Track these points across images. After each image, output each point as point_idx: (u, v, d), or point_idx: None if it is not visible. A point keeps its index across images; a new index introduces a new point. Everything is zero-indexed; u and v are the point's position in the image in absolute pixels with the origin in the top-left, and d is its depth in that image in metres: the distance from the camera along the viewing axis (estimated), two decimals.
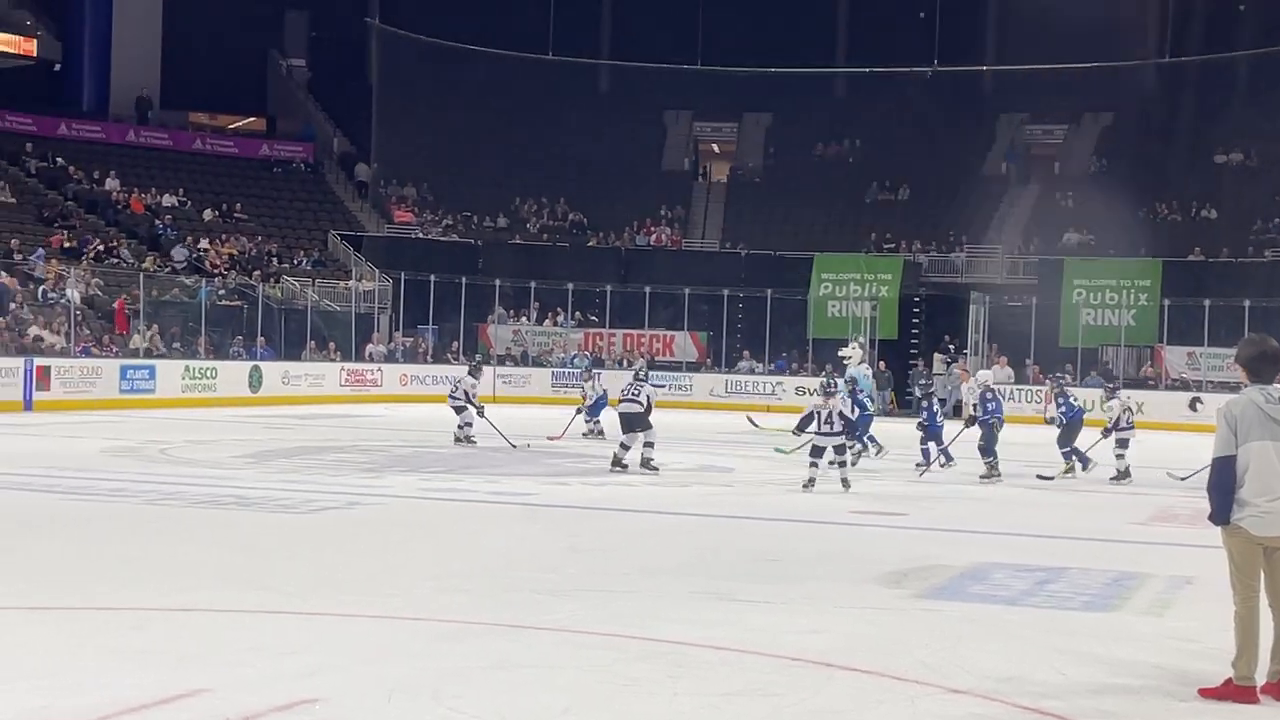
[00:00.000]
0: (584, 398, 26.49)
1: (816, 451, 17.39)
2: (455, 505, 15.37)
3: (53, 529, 12.59)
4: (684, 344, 42.65)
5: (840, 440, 17.45)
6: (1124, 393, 22.99)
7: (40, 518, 13.38)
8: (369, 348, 41.02)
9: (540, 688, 7.16)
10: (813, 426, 17.61)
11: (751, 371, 40.19)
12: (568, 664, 7.70)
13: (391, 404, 36.71)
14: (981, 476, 19.30)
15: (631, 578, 10.68)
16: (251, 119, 53.80)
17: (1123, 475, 20.03)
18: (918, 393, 23.33)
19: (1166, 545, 13.62)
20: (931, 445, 20.78)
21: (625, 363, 42.13)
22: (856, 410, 20.33)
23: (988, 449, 19.52)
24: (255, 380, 35.38)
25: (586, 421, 25.96)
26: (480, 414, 23.37)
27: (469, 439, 23.36)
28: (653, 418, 19.57)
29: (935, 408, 21.53)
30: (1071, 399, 21.31)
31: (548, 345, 43.52)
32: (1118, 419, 20.58)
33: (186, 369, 33.90)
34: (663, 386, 38.83)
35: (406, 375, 40.06)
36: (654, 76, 51.73)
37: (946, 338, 40.71)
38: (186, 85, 50.61)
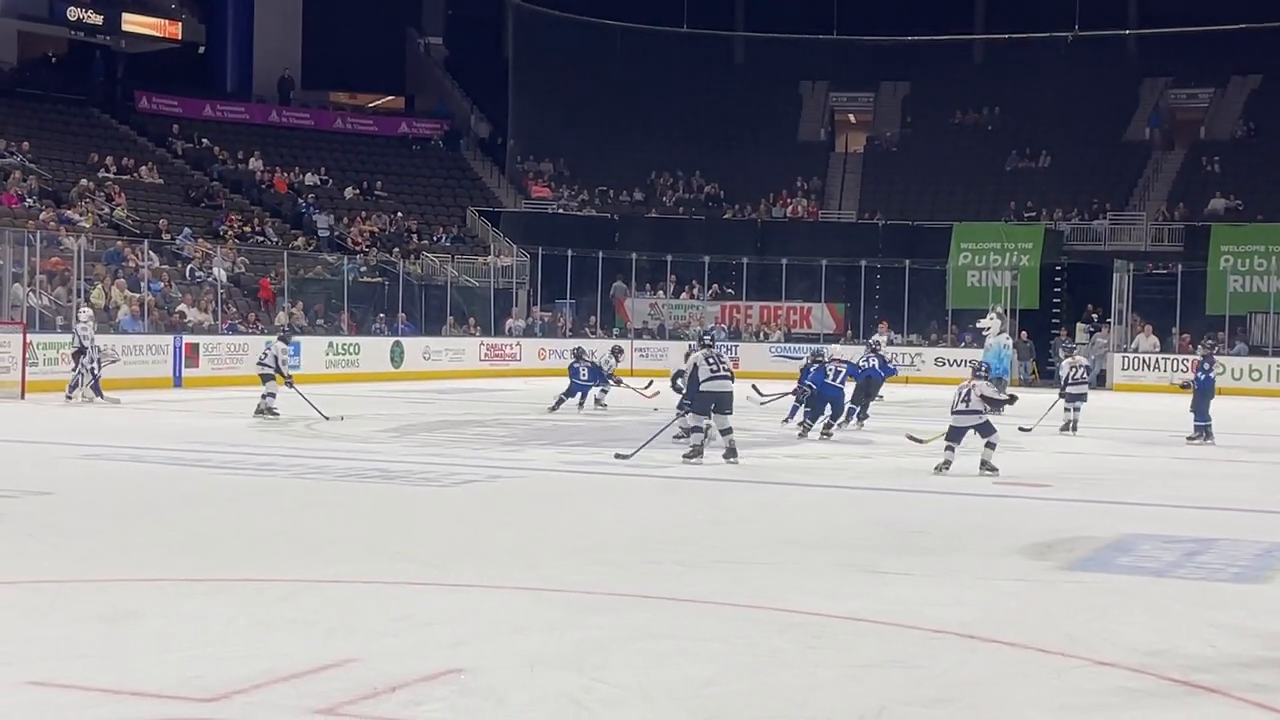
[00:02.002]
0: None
1: (954, 434, 16.07)
2: (595, 478, 15.44)
3: (203, 503, 12.86)
4: (821, 315, 42.42)
5: (983, 421, 16.08)
6: (1080, 356, 23.81)
7: (191, 492, 13.67)
8: (508, 323, 41.36)
9: (682, 659, 7.18)
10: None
11: (890, 343, 39.86)
12: (709, 635, 7.72)
13: (530, 378, 36.95)
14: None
15: (772, 550, 10.67)
16: (390, 98, 54.36)
17: (1069, 427, 21.30)
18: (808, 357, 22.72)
19: None
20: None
21: (762, 334, 42.09)
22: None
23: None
24: (397, 356, 35.84)
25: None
26: (289, 385, 22.24)
27: (270, 410, 21.95)
28: None
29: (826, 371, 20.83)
30: (862, 360, 22.31)
31: (684, 318, 43.54)
32: (1066, 376, 21.75)
33: (330, 345, 34.43)
34: (800, 359, 38.81)
35: (545, 350, 40.29)
36: (789, 47, 51.41)
37: (1089, 307, 40.05)
38: (327, 65, 51.23)
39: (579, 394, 25.10)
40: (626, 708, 6.33)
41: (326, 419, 21.34)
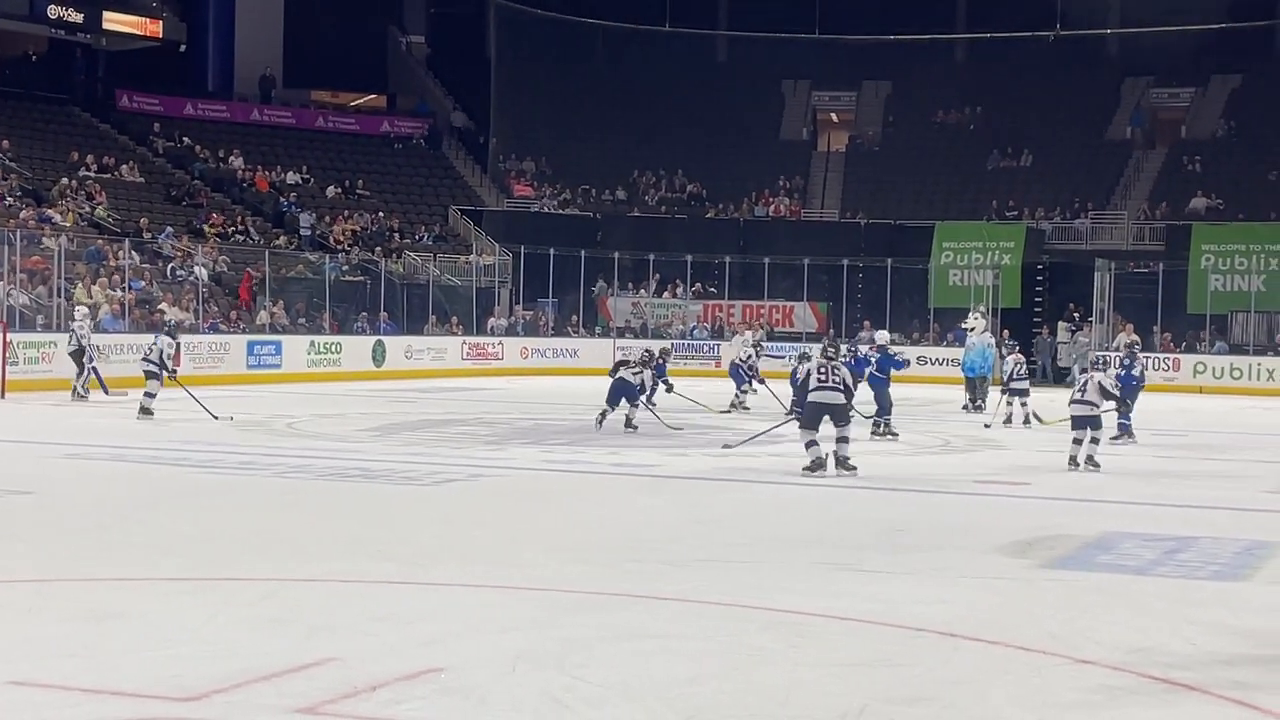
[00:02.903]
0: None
1: (1078, 424, 16.50)
2: (578, 477, 15.43)
3: (184, 502, 12.82)
4: (803, 314, 42.47)
5: (1093, 415, 16.41)
6: (1020, 354, 24.83)
7: (171, 491, 13.64)
8: (490, 321, 41.33)
9: (664, 658, 7.18)
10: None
11: (871, 341, 39.84)
12: (691, 634, 7.72)
13: (512, 377, 36.95)
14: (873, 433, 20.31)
15: (754, 548, 10.67)
16: (372, 96, 54.26)
17: (1025, 420, 22.62)
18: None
19: None
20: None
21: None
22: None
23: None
24: (379, 355, 35.79)
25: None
26: (172, 378, 21.62)
27: (146, 410, 21.17)
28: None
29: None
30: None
31: (667, 317, 43.55)
32: (1011, 372, 23.01)
33: (312, 344, 34.38)
34: (781, 357, 38.85)
35: (527, 349, 40.34)
36: (771, 46, 51.43)
37: (1071, 306, 40.15)
38: (308, 64, 51.15)
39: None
40: (608, 706, 6.32)
41: (216, 419, 20.88)
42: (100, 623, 7.75)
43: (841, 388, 15.62)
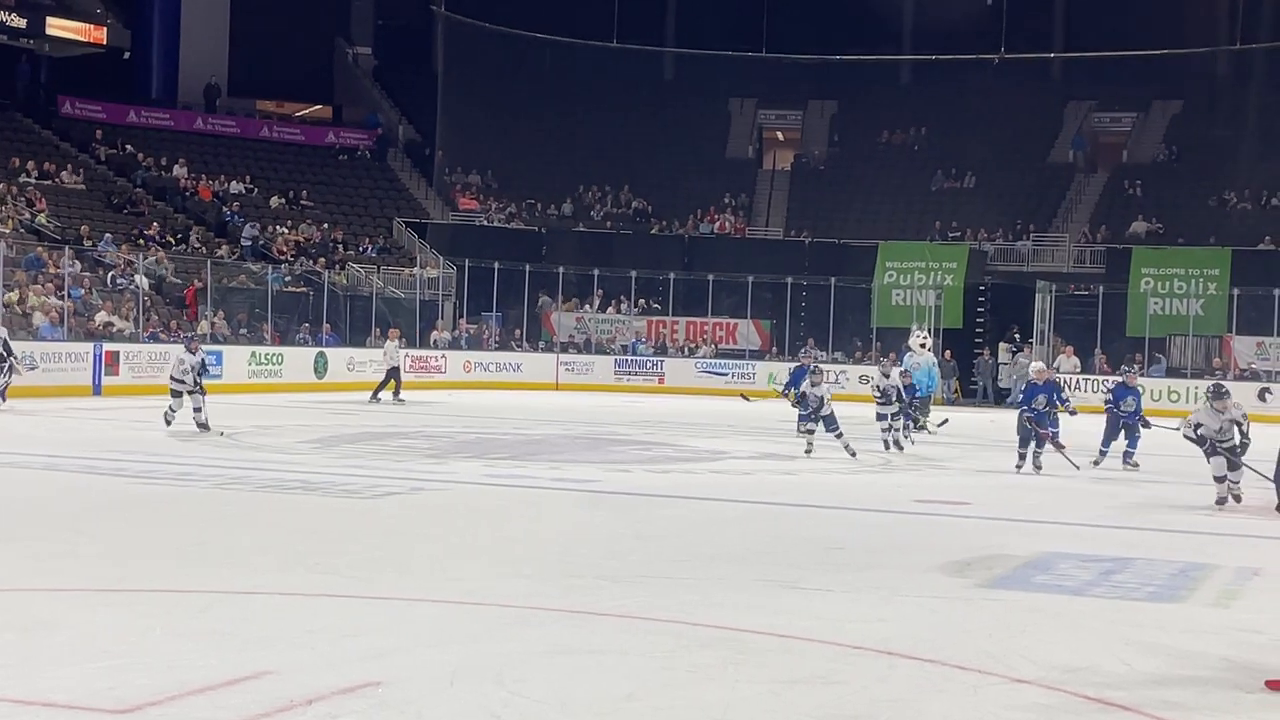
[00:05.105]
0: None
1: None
2: (519, 491, 15.39)
3: (121, 512, 12.72)
4: (747, 332, 42.54)
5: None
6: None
7: (109, 501, 13.52)
8: (433, 334, 41.18)
9: (602, 673, 7.18)
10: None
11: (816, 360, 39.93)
12: (630, 650, 7.71)
13: (455, 390, 36.85)
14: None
15: (694, 565, 10.67)
16: (318, 107, 54.05)
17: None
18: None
19: (1234, 536, 13.48)
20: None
21: (687, 350, 42.11)
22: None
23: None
24: (320, 366, 35.61)
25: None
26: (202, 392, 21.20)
27: (204, 425, 20.90)
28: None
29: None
30: None
31: (610, 333, 43.54)
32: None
33: (253, 355, 34.17)
34: (725, 374, 38.88)
35: (470, 362, 40.22)
36: (718, 64, 51.59)
37: (1012, 327, 40.40)
38: (254, 73, 50.86)
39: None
40: None
41: (222, 435, 20.61)
42: (32, 633, 7.67)
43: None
